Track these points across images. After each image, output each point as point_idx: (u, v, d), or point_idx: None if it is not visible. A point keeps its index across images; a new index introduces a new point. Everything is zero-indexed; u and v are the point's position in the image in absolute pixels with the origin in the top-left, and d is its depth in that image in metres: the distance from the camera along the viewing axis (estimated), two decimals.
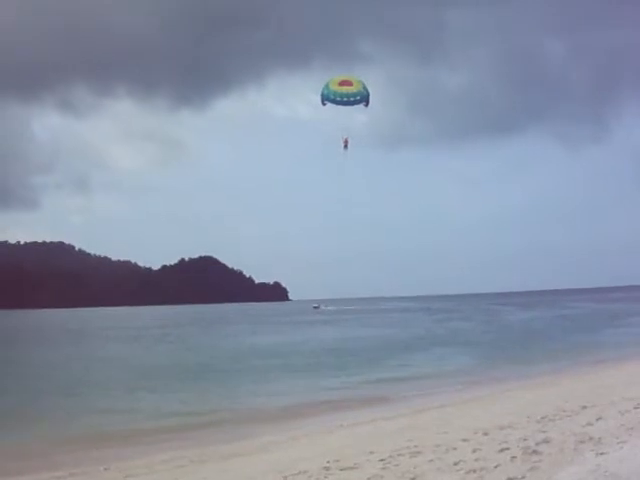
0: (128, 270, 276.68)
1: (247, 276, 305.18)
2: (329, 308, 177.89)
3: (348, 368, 35.08)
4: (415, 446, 12.93)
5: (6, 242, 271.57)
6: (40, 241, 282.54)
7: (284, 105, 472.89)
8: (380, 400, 24.34)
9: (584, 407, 16.01)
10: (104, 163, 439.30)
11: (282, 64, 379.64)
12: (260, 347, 51.51)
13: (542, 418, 14.81)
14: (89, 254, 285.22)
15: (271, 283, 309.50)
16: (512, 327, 70.82)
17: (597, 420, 13.64)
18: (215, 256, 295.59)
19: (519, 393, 22.59)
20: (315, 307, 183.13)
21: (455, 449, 12.09)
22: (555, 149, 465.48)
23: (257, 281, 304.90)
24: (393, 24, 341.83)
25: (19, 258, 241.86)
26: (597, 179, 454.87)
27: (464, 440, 12.94)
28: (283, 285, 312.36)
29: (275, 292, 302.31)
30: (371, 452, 12.87)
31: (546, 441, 11.71)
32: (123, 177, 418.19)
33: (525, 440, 12.05)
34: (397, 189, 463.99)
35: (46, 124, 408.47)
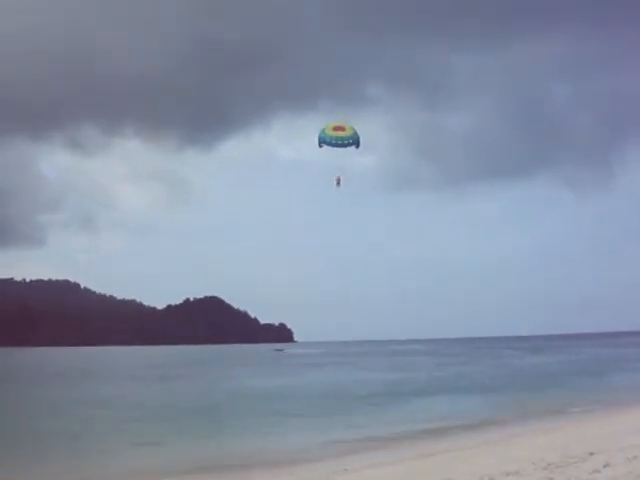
0: (132, 309, 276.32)
1: (252, 317, 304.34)
2: (298, 351, 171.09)
3: (350, 412, 34.65)
4: None
5: (12, 279, 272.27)
6: (45, 279, 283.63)
7: (290, 146, 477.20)
8: (385, 444, 24.03)
9: (591, 453, 15.81)
10: (111, 202, 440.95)
11: (288, 106, 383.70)
12: (261, 390, 51.00)
13: (549, 464, 14.63)
14: (94, 292, 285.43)
15: (276, 324, 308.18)
16: (519, 372, 70.07)
17: (604, 467, 13.48)
18: (220, 296, 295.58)
19: (526, 439, 22.32)
20: (277, 350, 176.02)
21: None
22: (561, 193, 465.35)
23: (262, 322, 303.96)
24: (399, 68, 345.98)
25: (24, 295, 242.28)
26: (602, 224, 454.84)
27: None
28: (288, 326, 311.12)
29: (280, 333, 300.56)
30: None
31: None
32: (129, 216, 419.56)
33: None
34: (402, 231, 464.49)
35: (54, 162, 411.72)
